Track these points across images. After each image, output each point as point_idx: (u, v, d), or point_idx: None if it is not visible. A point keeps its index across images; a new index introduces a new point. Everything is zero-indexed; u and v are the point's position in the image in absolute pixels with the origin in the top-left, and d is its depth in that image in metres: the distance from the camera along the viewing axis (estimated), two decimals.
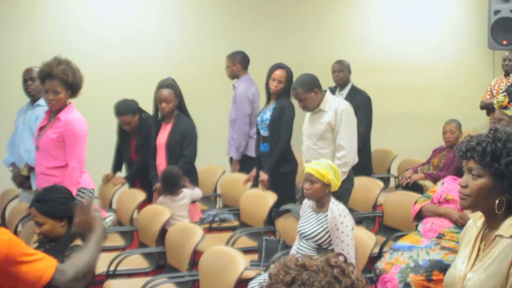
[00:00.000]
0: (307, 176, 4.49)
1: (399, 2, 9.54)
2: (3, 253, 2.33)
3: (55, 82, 4.90)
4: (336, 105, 5.37)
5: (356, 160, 5.49)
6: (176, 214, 5.53)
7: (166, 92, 5.83)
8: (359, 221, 5.83)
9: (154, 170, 6.05)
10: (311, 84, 5.44)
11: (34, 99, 6.06)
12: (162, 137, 5.94)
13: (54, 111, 5.06)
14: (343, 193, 5.12)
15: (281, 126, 5.98)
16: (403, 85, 9.52)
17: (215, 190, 7.09)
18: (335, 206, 4.48)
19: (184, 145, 5.86)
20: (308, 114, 5.58)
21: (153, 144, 6.05)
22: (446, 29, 9.83)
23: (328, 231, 4.43)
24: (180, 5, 8.32)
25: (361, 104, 7.05)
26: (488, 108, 7.29)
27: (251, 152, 6.85)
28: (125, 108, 6.31)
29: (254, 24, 8.64)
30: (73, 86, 4.98)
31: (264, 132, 6.12)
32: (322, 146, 5.45)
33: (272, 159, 5.99)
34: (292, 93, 5.54)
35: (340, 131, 5.30)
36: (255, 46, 8.24)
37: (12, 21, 7.50)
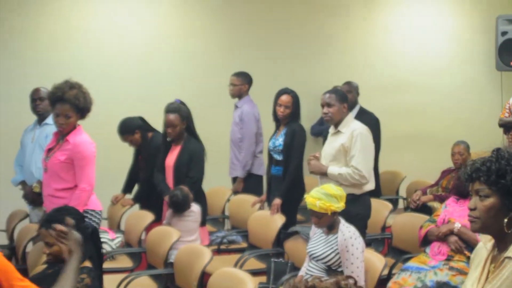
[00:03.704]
0: (311, 212, 4.47)
1: (408, 23, 9.56)
2: None
3: (67, 106, 4.93)
4: (353, 128, 5.28)
5: (372, 187, 5.43)
6: (184, 230, 5.52)
7: (172, 117, 5.85)
8: (368, 243, 5.79)
9: (163, 183, 6.01)
10: (345, 97, 5.42)
11: (41, 118, 6.13)
12: (171, 159, 5.94)
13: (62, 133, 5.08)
14: (357, 219, 4.99)
15: (292, 150, 5.97)
16: (411, 106, 9.53)
17: (223, 211, 7.09)
18: (346, 228, 4.46)
19: (191, 166, 5.86)
20: (328, 135, 5.54)
21: (161, 164, 6.05)
22: (454, 50, 9.85)
23: (338, 253, 4.41)
24: (187, 25, 8.36)
25: (370, 125, 6.95)
26: (506, 126, 7.25)
27: (255, 170, 7.06)
28: (122, 128, 6.42)
29: (260, 45, 8.68)
30: (83, 110, 5.00)
31: (278, 156, 6.11)
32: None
33: (285, 184, 5.97)
34: (322, 97, 5.36)
35: (356, 154, 5.18)
36: (260, 68, 8.30)
37: (21, 40, 7.56)
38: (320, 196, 4.43)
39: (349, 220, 4.63)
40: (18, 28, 7.55)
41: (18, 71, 7.53)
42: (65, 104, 4.93)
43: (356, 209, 5.07)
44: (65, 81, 5.00)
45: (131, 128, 6.39)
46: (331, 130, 5.47)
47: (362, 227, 5.15)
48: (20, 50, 7.57)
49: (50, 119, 5.95)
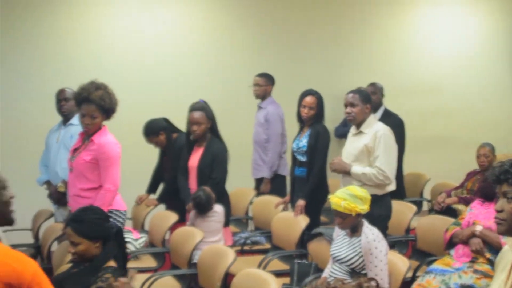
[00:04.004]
0: (335, 212, 4.46)
1: (433, 25, 9.51)
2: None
3: (93, 107, 4.95)
4: (376, 129, 5.27)
5: (393, 188, 5.42)
6: (207, 231, 5.54)
7: (197, 114, 5.83)
8: (392, 245, 5.77)
9: (185, 190, 6.02)
10: (369, 98, 5.40)
11: (66, 118, 6.18)
12: (194, 160, 5.93)
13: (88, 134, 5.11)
14: (379, 220, 5.01)
15: (316, 152, 5.96)
16: (436, 108, 9.48)
17: (246, 212, 7.09)
18: (369, 231, 4.45)
19: (214, 167, 5.84)
20: (349, 135, 5.53)
21: (184, 165, 6.05)
22: (480, 52, 9.78)
23: (361, 256, 4.40)
24: (211, 27, 8.39)
25: (394, 127, 6.90)
26: None
27: (280, 170, 7.10)
28: (147, 130, 6.46)
29: (285, 47, 8.69)
30: (109, 111, 5.03)
31: (302, 158, 6.10)
32: None
33: (309, 185, 5.95)
34: (346, 97, 5.37)
35: (380, 155, 5.17)
36: (284, 69, 8.31)
37: (45, 43, 7.64)
38: (346, 196, 4.42)
39: (372, 221, 4.62)
40: (44, 30, 7.63)
41: (44, 72, 7.61)
42: (91, 104, 4.95)
43: (379, 210, 5.06)
44: (91, 81, 5.02)
45: (156, 130, 6.42)
46: (353, 130, 5.46)
47: (383, 228, 5.15)
48: (45, 52, 7.65)
49: (74, 120, 6.00)
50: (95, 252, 3.63)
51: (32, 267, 2.34)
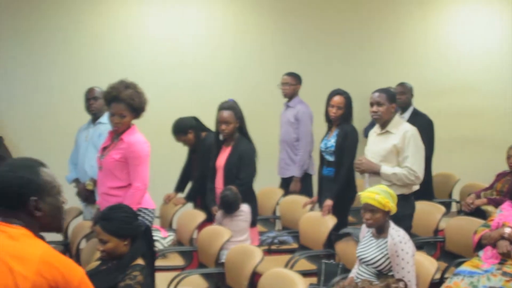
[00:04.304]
0: (367, 206, 4.45)
1: (464, 24, 9.44)
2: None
3: (122, 106, 4.97)
4: (404, 129, 5.24)
5: (418, 187, 5.39)
6: (234, 230, 5.55)
7: (226, 113, 5.84)
8: (420, 246, 5.75)
9: (211, 193, 6.05)
10: (394, 98, 5.39)
11: (95, 117, 6.23)
12: (221, 160, 5.94)
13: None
14: (404, 219, 5.04)
15: (344, 151, 5.94)
16: (465, 108, 9.41)
17: (274, 212, 7.09)
18: (395, 232, 4.43)
19: (241, 167, 5.84)
20: (372, 135, 5.51)
21: (212, 165, 6.07)
22: (510, 51, 9.67)
23: (388, 257, 4.38)
24: (243, 30, 8.41)
25: (423, 127, 6.92)
26: None
27: (309, 170, 7.17)
28: (175, 128, 6.49)
29: (314, 48, 8.68)
30: (138, 110, 5.06)
31: (330, 157, 6.09)
32: None
33: (337, 185, 5.94)
34: (372, 96, 5.35)
35: (409, 156, 5.16)
36: (313, 70, 8.31)
37: (75, 42, 7.72)
38: (379, 191, 4.44)
39: (398, 220, 4.62)
40: (74, 29, 7.71)
41: (74, 70, 7.69)
42: (120, 103, 4.97)
43: (405, 209, 5.06)
44: (121, 81, 5.04)
45: (185, 128, 6.45)
46: (377, 130, 5.42)
47: (409, 227, 5.15)
48: (75, 51, 7.72)
49: (103, 118, 6.05)
50: (124, 250, 3.66)
51: (79, 274, 2.36)
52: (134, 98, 4.96)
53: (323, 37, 8.73)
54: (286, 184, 7.27)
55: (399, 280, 3.81)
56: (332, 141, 6.03)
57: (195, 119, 6.55)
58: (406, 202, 5.14)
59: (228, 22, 8.38)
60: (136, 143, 5.02)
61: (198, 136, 6.47)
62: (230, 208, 5.65)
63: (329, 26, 8.76)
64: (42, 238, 2.45)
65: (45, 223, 2.47)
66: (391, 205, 4.42)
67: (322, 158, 6.22)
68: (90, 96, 6.27)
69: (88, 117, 6.40)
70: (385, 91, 5.37)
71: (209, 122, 6.39)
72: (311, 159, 7.21)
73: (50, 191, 2.47)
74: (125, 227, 3.68)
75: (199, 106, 7.37)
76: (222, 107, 5.90)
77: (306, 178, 7.20)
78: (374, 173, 5.27)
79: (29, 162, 2.49)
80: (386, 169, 5.19)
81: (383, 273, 4.39)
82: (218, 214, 5.77)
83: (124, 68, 7.63)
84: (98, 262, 3.96)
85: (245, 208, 5.73)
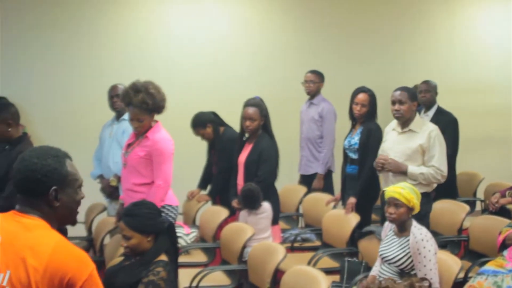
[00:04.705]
0: (391, 200, 4.43)
1: (488, 25, 9.37)
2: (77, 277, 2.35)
3: (136, 111, 4.93)
4: (429, 128, 5.25)
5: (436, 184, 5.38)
6: (258, 228, 5.56)
7: (251, 110, 5.85)
8: (443, 245, 5.72)
9: (233, 188, 6.08)
10: (415, 96, 5.39)
11: (119, 114, 6.26)
12: (243, 156, 5.97)
13: None
14: (425, 217, 5.06)
15: (368, 149, 5.91)
16: (490, 107, 9.35)
17: (297, 209, 7.09)
18: (417, 230, 4.41)
19: (260, 164, 5.86)
20: (391, 133, 5.48)
21: (235, 162, 6.09)
22: None
23: (410, 256, 4.37)
24: (268, 28, 8.43)
25: (448, 125, 6.93)
26: None
27: (333, 167, 7.19)
28: (194, 122, 6.55)
29: (337, 45, 8.67)
30: (155, 110, 5.01)
31: (353, 155, 6.08)
32: None
33: (360, 183, 5.93)
34: (393, 94, 5.34)
35: (436, 155, 5.16)
36: (336, 68, 8.31)
37: (101, 39, 7.78)
38: (404, 187, 4.45)
39: (420, 217, 4.63)
40: (100, 26, 7.77)
41: (98, 68, 7.75)
42: (135, 108, 4.94)
43: (426, 207, 5.08)
44: (132, 84, 4.98)
45: (203, 122, 6.49)
46: (398, 128, 5.40)
47: (428, 224, 5.16)
48: (101, 47, 7.78)
49: (127, 115, 6.08)
50: (147, 246, 3.68)
51: (89, 269, 2.36)
52: (146, 101, 4.88)
53: (347, 35, 8.71)
54: (307, 181, 7.26)
55: (423, 279, 3.79)
56: (355, 139, 6.02)
57: (214, 114, 6.58)
58: (428, 200, 5.15)
59: (252, 20, 8.38)
60: (160, 140, 5.01)
61: (216, 130, 6.51)
62: (250, 203, 5.66)
63: (353, 24, 8.74)
64: (63, 231, 2.47)
65: (61, 215, 2.48)
66: (415, 202, 4.42)
67: (345, 156, 6.21)
68: (113, 94, 6.30)
69: (111, 114, 6.43)
70: (406, 89, 5.36)
71: (232, 120, 6.41)
72: (333, 156, 7.21)
73: (71, 183, 2.49)
74: (148, 223, 3.70)
75: (221, 104, 7.40)
76: (248, 103, 5.91)
77: (328, 175, 7.20)
78: (400, 172, 5.24)
79: (56, 152, 2.51)
80: (413, 168, 5.18)
81: (405, 272, 4.38)
82: (242, 213, 5.76)
83: (147, 66, 7.71)
84: (121, 258, 3.99)
85: (266, 205, 5.74)
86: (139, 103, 4.89)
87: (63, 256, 2.32)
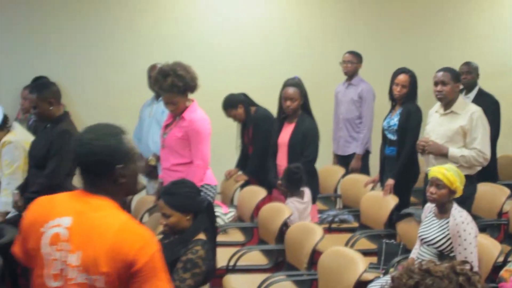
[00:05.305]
0: (434, 180, 4.39)
1: None
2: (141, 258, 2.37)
3: (168, 95, 4.94)
4: (471, 110, 5.17)
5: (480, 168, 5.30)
6: (302, 214, 5.58)
7: (291, 90, 5.84)
8: (483, 229, 5.66)
9: (273, 169, 6.06)
10: (459, 77, 5.32)
11: (158, 94, 6.28)
12: (285, 137, 5.95)
13: None
14: (468, 200, 5.00)
15: (407, 131, 5.87)
16: None
17: (335, 190, 7.08)
18: (458, 213, 4.37)
19: (306, 144, 5.84)
20: (434, 115, 5.42)
21: (274, 142, 6.08)
22: None
23: (449, 238, 4.34)
24: (303, 7, 8.40)
25: (489, 108, 6.78)
26: None
27: (370, 148, 7.20)
28: (226, 103, 6.58)
29: (377, 26, 8.60)
30: (188, 90, 5.00)
31: (392, 137, 6.03)
32: None
33: (399, 165, 5.88)
34: (436, 75, 5.26)
35: (478, 137, 5.08)
36: (376, 49, 8.25)
37: (139, 19, 7.85)
38: (449, 168, 4.41)
39: (462, 200, 4.58)
40: (139, 5, 7.80)
41: (138, 48, 7.83)
42: (166, 93, 4.95)
43: (470, 190, 4.99)
44: (160, 69, 4.97)
45: (234, 103, 6.52)
46: (440, 110, 5.33)
47: (470, 207, 5.11)
48: (139, 27, 7.86)
49: None
50: (186, 224, 3.70)
51: (152, 249, 2.40)
52: (177, 83, 4.87)
53: (386, 16, 8.63)
54: (344, 162, 7.26)
55: (465, 262, 3.78)
56: (395, 120, 5.97)
57: (244, 95, 6.59)
58: (470, 183, 5.04)
59: (293, 4, 8.38)
60: (197, 120, 5.02)
61: (247, 110, 6.53)
62: (294, 183, 5.65)
63: (392, 4, 8.66)
64: (124, 204, 2.53)
65: (125, 189, 2.56)
66: (458, 185, 4.37)
67: (384, 137, 6.17)
68: (152, 73, 6.33)
69: (151, 93, 6.47)
70: (449, 70, 5.29)
71: (269, 102, 6.40)
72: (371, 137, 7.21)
73: (132, 158, 2.55)
74: (188, 202, 3.72)
75: (257, 86, 7.40)
76: (288, 83, 5.90)
77: (365, 156, 7.20)
78: (441, 155, 5.19)
79: (113, 129, 2.56)
80: (454, 151, 5.11)
81: (444, 254, 4.36)
82: (290, 200, 5.70)
83: (186, 47, 7.77)
84: (160, 236, 4.02)
85: (307, 190, 5.73)
86: (169, 87, 4.90)
87: (127, 236, 2.37)
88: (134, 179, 2.58)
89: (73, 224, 2.41)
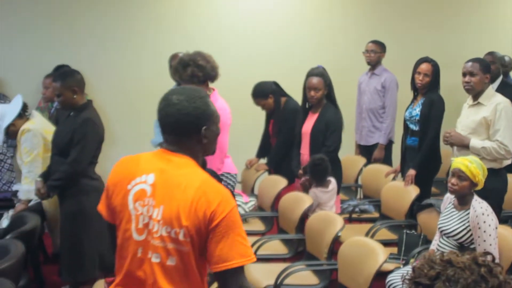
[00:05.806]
0: (456, 171, 4.35)
1: None
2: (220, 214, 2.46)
3: (189, 84, 4.93)
4: (497, 101, 5.08)
5: (510, 162, 5.21)
6: (326, 204, 5.58)
7: (315, 80, 5.82)
8: (504, 220, 5.62)
9: (296, 158, 6.07)
10: (489, 68, 5.25)
11: (179, 83, 6.28)
12: (308, 126, 5.94)
13: None
14: (494, 193, 4.89)
15: (430, 121, 5.83)
16: None
17: (356, 180, 7.07)
18: (478, 204, 4.34)
19: (328, 134, 5.83)
20: (464, 106, 5.37)
21: (298, 132, 6.07)
22: None
23: (469, 230, 4.31)
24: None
25: None
26: None
27: (393, 138, 7.19)
28: (256, 92, 6.54)
29: (400, 15, 8.56)
30: (207, 79, 4.93)
31: (414, 127, 6.00)
32: None
33: (421, 155, 5.84)
34: (465, 65, 5.20)
35: (501, 129, 5.00)
36: (400, 38, 8.22)
37: (161, 10, 7.87)
38: (473, 161, 4.36)
39: (486, 194, 4.50)
40: None
41: (161, 36, 7.85)
42: (186, 83, 4.93)
43: (494, 184, 4.88)
44: (180, 59, 4.88)
45: (265, 92, 6.48)
46: (469, 101, 5.28)
47: (498, 202, 5.03)
48: (163, 18, 7.88)
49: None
50: None
51: (231, 205, 2.49)
52: (197, 74, 4.78)
53: (410, 5, 8.57)
54: (367, 152, 7.25)
55: (487, 253, 3.76)
56: (417, 110, 5.93)
57: (275, 84, 6.56)
58: (495, 176, 4.98)
59: None
60: (217, 109, 4.98)
61: (277, 101, 6.49)
62: (319, 174, 5.65)
63: None
64: (204, 163, 2.63)
65: (206, 149, 2.69)
66: (480, 178, 4.32)
67: (406, 127, 6.13)
68: (173, 63, 6.33)
69: (173, 82, 6.48)
70: (479, 60, 5.22)
71: (292, 90, 6.39)
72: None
73: (215, 120, 2.69)
74: None
75: (280, 74, 7.39)
76: (312, 73, 5.88)
77: (388, 145, 7.18)
78: (463, 146, 5.15)
79: (200, 92, 2.68)
80: (475, 142, 5.06)
81: (464, 246, 4.33)
82: (313, 190, 5.71)
83: (209, 36, 7.78)
84: None
85: (333, 181, 5.73)
86: (189, 78, 4.87)
87: (208, 191, 2.48)
88: (215, 140, 2.71)
89: (157, 180, 2.55)
